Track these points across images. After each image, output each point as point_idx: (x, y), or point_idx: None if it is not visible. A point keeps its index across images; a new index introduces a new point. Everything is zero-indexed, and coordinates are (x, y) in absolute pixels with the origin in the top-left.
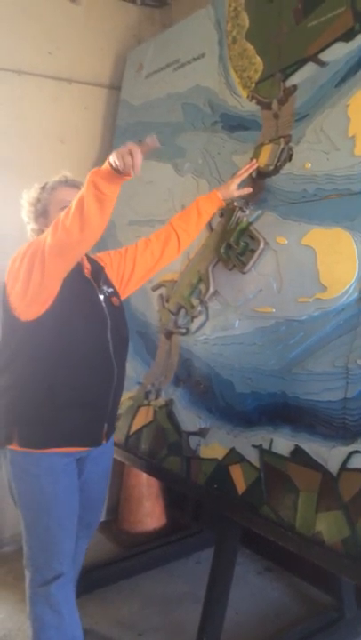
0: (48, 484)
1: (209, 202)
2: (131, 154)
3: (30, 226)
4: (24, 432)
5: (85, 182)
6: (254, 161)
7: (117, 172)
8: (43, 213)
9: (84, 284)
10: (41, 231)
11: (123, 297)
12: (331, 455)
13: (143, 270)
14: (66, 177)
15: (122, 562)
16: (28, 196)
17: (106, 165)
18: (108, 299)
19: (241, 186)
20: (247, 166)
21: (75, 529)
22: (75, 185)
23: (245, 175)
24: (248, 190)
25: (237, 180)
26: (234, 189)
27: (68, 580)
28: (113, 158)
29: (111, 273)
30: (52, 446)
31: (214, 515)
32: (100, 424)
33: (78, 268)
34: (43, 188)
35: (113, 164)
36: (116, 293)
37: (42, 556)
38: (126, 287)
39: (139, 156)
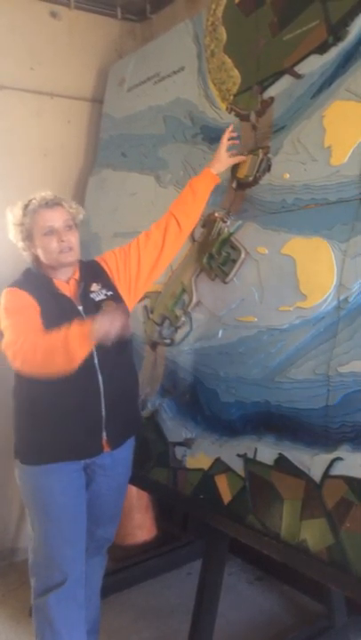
0: (44, 484)
1: (202, 180)
2: (113, 323)
3: (19, 244)
4: (20, 450)
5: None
6: (231, 126)
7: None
8: (28, 237)
9: (57, 303)
10: (29, 252)
11: (135, 296)
12: (314, 463)
13: (149, 264)
14: (46, 199)
15: (113, 575)
16: (12, 215)
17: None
18: (94, 306)
19: (222, 196)
20: (227, 132)
21: (79, 538)
22: (56, 204)
23: (227, 142)
24: (242, 158)
25: (224, 148)
26: (224, 157)
27: (71, 595)
28: (97, 331)
29: (117, 274)
30: (45, 462)
31: (201, 525)
32: (96, 434)
33: (50, 289)
34: (25, 208)
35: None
36: (114, 297)
37: (42, 562)
38: (137, 285)
39: (119, 323)
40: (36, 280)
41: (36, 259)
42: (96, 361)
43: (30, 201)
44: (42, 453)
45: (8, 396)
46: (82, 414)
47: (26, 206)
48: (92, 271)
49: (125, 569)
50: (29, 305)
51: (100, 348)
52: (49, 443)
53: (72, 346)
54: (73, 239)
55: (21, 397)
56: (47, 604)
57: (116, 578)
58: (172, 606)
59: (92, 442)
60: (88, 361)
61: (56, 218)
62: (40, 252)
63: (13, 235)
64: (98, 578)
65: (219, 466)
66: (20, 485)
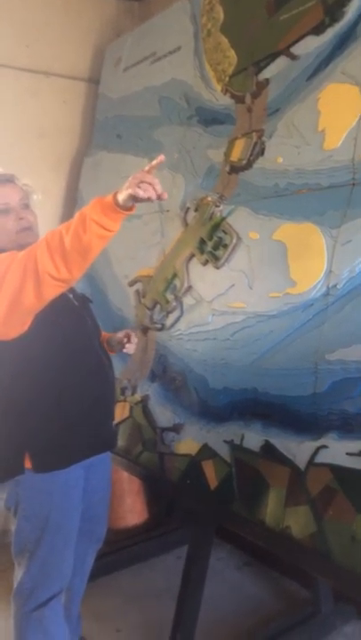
0: (61, 501)
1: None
2: (147, 181)
3: None
4: (39, 456)
5: (81, 221)
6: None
7: (122, 208)
8: None
9: None
10: None
11: None
12: (299, 450)
13: None
14: None
15: (102, 558)
16: None
17: (109, 202)
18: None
19: (215, 180)
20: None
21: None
22: (7, 180)
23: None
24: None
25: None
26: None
27: (61, 599)
28: (126, 193)
29: None
30: (72, 462)
31: (186, 512)
32: (110, 422)
33: None
34: None
35: (124, 198)
36: None
37: (41, 578)
38: None
39: (155, 180)
40: None
41: None
42: (96, 345)
43: None
44: (67, 453)
45: None
46: (100, 400)
47: None
48: None
49: (114, 552)
50: None
51: (95, 332)
52: (79, 436)
53: (92, 223)
54: (31, 218)
55: (34, 395)
56: (44, 616)
57: (104, 561)
58: (161, 590)
59: (108, 430)
60: (91, 345)
61: (10, 194)
62: None
63: None
64: (89, 569)
65: (206, 452)
66: (27, 502)
